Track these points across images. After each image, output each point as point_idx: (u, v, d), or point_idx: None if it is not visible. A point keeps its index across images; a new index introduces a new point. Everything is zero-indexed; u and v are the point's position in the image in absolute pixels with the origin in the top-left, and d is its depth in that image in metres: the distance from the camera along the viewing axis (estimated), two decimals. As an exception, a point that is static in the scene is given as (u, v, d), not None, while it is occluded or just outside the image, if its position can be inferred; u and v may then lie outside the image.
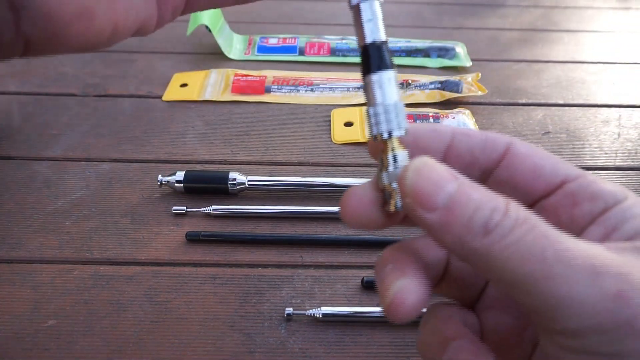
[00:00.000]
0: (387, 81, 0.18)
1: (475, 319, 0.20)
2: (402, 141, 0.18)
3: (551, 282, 0.14)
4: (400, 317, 0.16)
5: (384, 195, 0.18)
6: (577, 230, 0.17)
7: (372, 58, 0.19)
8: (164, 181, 0.38)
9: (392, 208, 0.18)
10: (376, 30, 0.19)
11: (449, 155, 0.19)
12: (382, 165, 0.18)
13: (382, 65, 0.18)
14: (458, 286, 0.20)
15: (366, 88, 0.19)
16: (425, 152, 0.18)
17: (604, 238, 0.16)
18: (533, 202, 0.18)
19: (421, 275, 0.17)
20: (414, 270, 0.17)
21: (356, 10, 0.19)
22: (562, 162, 0.18)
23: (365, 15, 0.19)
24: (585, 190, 0.17)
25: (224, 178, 0.38)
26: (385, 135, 0.18)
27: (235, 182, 0.38)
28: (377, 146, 0.19)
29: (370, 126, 0.18)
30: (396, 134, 0.18)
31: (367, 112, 0.18)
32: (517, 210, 0.15)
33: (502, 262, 0.14)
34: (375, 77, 0.18)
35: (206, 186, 0.38)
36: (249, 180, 0.38)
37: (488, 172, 0.19)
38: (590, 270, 0.14)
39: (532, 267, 0.14)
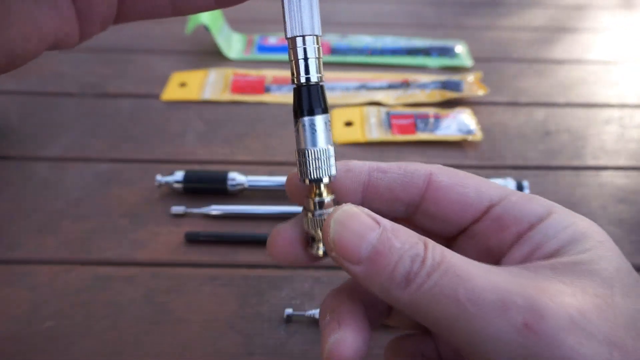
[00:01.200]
0: (319, 125, 0.18)
1: (432, 344, 0.20)
2: (328, 186, 0.18)
3: (466, 322, 0.14)
4: None
5: (307, 238, 0.18)
6: (504, 252, 0.17)
7: (303, 100, 0.18)
8: (163, 181, 0.38)
9: (318, 252, 0.18)
10: (311, 69, 0.18)
11: (368, 193, 0.19)
12: (307, 210, 0.18)
13: (316, 108, 0.18)
14: (399, 320, 0.21)
15: (298, 130, 0.18)
16: (342, 194, 0.18)
17: (525, 258, 0.16)
18: (463, 228, 0.19)
19: (358, 324, 0.17)
20: (351, 320, 0.17)
21: (292, 44, 0.18)
22: (485, 184, 0.18)
23: (300, 53, 0.18)
24: (510, 213, 0.17)
25: (223, 178, 0.38)
26: (311, 180, 0.18)
27: (234, 182, 0.38)
28: (300, 189, 0.19)
29: (299, 170, 0.18)
30: (324, 180, 0.18)
31: (297, 154, 0.18)
32: (434, 253, 0.15)
33: (423, 307, 0.15)
34: (307, 120, 0.18)
35: (205, 186, 0.38)
36: (248, 180, 0.38)
37: (413, 206, 0.19)
38: (499, 305, 0.14)
39: (449, 310, 0.14)
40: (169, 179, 0.38)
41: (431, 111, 0.48)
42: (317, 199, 0.18)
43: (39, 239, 0.35)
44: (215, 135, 0.45)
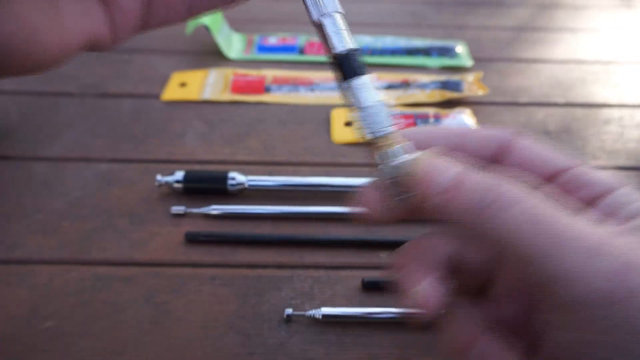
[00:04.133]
0: (371, 84, 0.19)
1: (489, 308, 0.21)
2: (394, 137, 0.20)
3: (553, 257, 0.14)
4: (427, 316, 0.18)
5: (389, 188, 0.19)
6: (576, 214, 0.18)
7: (352, 64, 0.20)
8: (163, 181, 0.38)
9: (397, 199, 0.19)
10: (347, 39, 0.20)
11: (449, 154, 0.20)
12: (382, 160, 0.19)
13: (364, 69, 0.20)
14: (470, 277, 0.21)
15: (348, 94, 0.20)
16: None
17: (601, 221, 0.17)
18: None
19: (438, 274, 0.18)
20: (432, 271, 0.18)
21: (319, 26, 0.21)
22: (561, 152, 0.20)
23: (330, 28, 0.21)
24: (584, 177, 0.18)
25: (223, 178, 0.38)
26: (381, 134, 0.19)
27: (234, 182, 0.38)
28: (374, 146, 0.20)
29: (365, 129, 0.19)
30: (390, 129, 0.19)
31: (358, 116, 0.19)
32: (516, 188, 0.16)
33: (504, 238, 0.15)
34: (360, 80, 0.19)
35: (205, 186, 0.38)
36: (248, 180, 0.38)
37: (492, 163, 0.20)
38: (589, 247, 0.14)
39: (536, 242, 0.15)
40: (169, 179, 0.38)
41: (431, 111, 0.48)
42: (388, 149, 0.19)
43: (39, 239, 0.35)
44: (215, 135, 0.45)
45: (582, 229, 0.15)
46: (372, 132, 0.19)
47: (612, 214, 0.17)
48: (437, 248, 0.20)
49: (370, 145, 0.20)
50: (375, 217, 0.20)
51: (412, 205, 0.19)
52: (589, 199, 0.18)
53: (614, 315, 0.14)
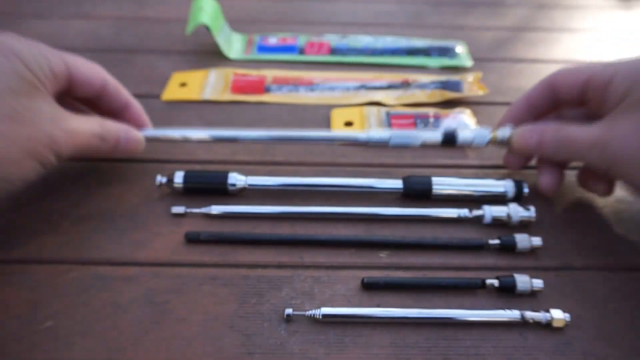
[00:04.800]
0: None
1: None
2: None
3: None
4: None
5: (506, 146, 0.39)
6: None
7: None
8: (163, 181, 0.38)
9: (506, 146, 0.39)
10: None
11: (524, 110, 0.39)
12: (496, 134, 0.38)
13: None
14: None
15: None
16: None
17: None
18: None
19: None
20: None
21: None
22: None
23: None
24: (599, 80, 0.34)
25: (223, 178, 0.38)
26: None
27: (234, 183, 0.38)
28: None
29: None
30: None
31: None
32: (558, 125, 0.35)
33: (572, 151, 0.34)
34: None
35: (206, 186, 0.38)
36: (248, 180, 0.38)
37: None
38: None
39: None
40: (170, 178, 0.38)
41: (431, 111, 0.48)
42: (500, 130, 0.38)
43: (39, 239, 0.35)
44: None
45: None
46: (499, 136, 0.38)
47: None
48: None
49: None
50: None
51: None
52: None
53: None
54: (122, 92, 0.37)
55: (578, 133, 0.32)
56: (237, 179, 0.38)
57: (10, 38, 0.31)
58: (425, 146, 0.39)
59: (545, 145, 0.34)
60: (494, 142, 0.38)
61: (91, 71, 0.35)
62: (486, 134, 0.38)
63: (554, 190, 0.36)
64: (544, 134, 0.34)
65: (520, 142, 0.35)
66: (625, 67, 0.32)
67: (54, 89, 0.32)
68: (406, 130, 0.41)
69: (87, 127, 0.32)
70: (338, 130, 0.44)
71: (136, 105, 0.39)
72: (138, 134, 0.38)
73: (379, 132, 0.40)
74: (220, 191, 0.38)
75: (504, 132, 0.37)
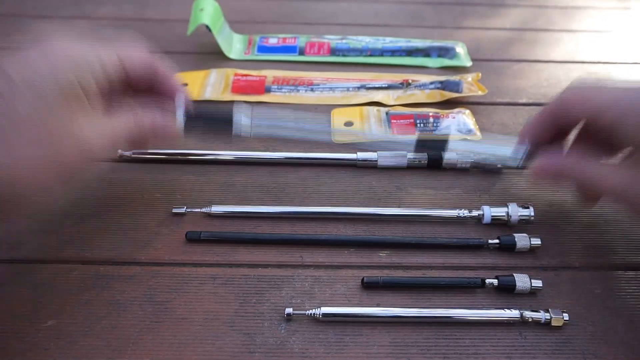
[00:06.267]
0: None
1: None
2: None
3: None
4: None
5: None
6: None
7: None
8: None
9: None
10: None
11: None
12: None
13: None
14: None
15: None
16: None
17: None
18: None
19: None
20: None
21: None
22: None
23: None
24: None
25: (228, 117, 0.37)
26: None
27: (240, 122, 0.37)
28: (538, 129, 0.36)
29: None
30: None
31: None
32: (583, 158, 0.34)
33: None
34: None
35: (210, 125, 0.37)
36: (254, 120, 0.37)
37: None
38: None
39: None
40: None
41: (431, 111, 0.48)
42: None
43: (41, 239, 0.35)
44: (215, 135, 0.45)
45: None
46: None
47: None
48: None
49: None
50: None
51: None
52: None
53: None
54: (171, 81, 0.36)
55: (605, 174, 0.31)
56: (242, 119, 0.37)
57: (62, 40, 0.29)
58: (412, 167, 0.41)
59: (566, 178, 0.34)
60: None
61: (143, 62, 0.33)
62: (469, 158, 0.41)
63: (550, 174, 0.35)
64: (564, 169, 0.34)
65: (540, 174, 0.35)
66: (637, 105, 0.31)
67: (104, 89, 0.31)
68: (394, 152, 0.42)
69: (122, 126, 0.32)
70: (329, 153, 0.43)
71: (183, 91, 0.36)
72: (174, 121, 0.35)
73: (366, 154, 0.42)
74: (224, 131, 0.37)
75: (517, 153, 0.37)
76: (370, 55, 0.58)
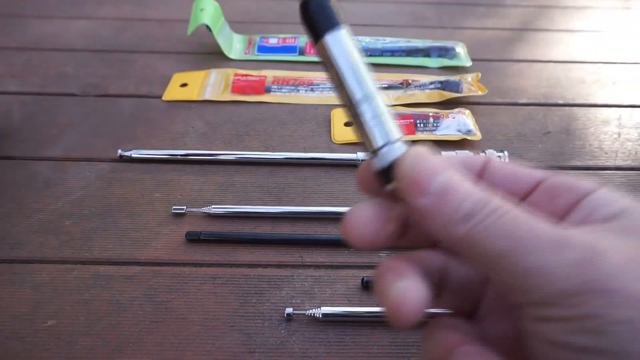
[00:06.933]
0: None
1: (476, 328, 0.20)
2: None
3: (521, 255, 0.15)
4: (404, 318, 0.16)
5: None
6: (558, 219, 0.18)
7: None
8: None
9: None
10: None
11: None
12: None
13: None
14: (456, 296, 0.21)
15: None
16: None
17: (581, 223, 0.17)
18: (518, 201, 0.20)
19: (421, 278, 0.17)
20: (414, 274, 0.17)
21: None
22: (534, 168, 0.20)
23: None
24: (561, 185, 0.18)
25: None
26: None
27: None
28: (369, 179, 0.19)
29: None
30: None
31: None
32: (497, 201, 0.16)
33: (479, 243, 0.16)
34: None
35: None
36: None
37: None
38: (555, 242, 0.15)
39: (505, 243, 0.15)
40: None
41: (431, 111, 0.48)
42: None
43: (41, 239, 0.35)
44: (216, 135, 0.45)
45: (547, 228, 0.15)
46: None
47: (590, 215, 0.17)
48: (423, 261, 0.20)
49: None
50: (366, 236, 0.18)
51: (398, 199, 0.18)
52: (569, 204, 0.18)
53: (585, 302, 0.14)
54: None
55: (531, 216, 0.16)
56: None
57: None
58: None
59: (449, 206, 0.16)
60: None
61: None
62: None
63: (417, 314, 0.17)
64: (461, 181, 0.17)
65: (411, 170, 0.17)
66: (608, 189, 0.18)
67: None
68: None
69: None
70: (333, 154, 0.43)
71: None
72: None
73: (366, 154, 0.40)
74: None
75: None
76: (370, 55, 0.58)
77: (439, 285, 0.20)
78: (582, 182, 0.18)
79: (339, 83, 0.18)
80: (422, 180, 0.17)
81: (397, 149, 0.18)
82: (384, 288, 0.17)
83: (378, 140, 0.18)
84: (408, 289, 0.17)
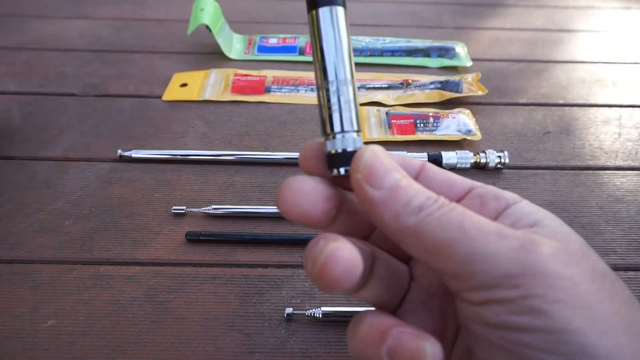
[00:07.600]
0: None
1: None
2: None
3: (468, 242, 0.16)
4: (335, 277, 0.17)
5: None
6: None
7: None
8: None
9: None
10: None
11: None
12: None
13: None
14: (382, 288, 0.21)
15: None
16: None
17: (511, 227, 0.19)
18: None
19: (355, 246, 0.18)
20: (348, 240, 0.18)
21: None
22: (463, 177, 0.22)
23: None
24: (490, 193, 0.20)
25: None
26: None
27: None
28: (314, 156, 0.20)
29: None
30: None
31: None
32: (444, 199, 0.18)
33: (429, 232, 0.17)
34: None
35: None
36: None
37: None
38: (497, 233, 0.17)
39: (453, 232, 0.17)
40: None
41: (431, 111, 0.48)
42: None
43: (41, 239, 0.35)
44: (216, 135, 0.45)
45: (491, 223, 0.17)
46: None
47: (517, 222, 0.19)
48: (358, 243, 0.20)
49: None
50: (302, 211, 0.19)
51: (345, 187, 0.20)
52: (497, 211, 0.20)
53: (526, 285, 0.16)
54: None
55: (485, 221, 0.17)
56: None
57: None
58: None
59: (399, 202, 0.18)
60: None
61: None
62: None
63: (348, 274, 0.17)
64: (412, 181, 0.18)
65: (369, 163, 0.18)
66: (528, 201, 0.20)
67: None
68: (393, 152, 0.38)
69: None
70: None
71: None
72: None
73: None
74: None
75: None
76: (370, 55, 0.58)
77: (367, 271, 0.20)
78: (509, 193, 0.20)
79: (319, 57, 0.19)
80: (378, 174, 0.18)
81: (356, 140, 0.19)
82: (314, 249, 0.17)
83: (339, 124, 0.19)
84: (341, 248, 0.17)
